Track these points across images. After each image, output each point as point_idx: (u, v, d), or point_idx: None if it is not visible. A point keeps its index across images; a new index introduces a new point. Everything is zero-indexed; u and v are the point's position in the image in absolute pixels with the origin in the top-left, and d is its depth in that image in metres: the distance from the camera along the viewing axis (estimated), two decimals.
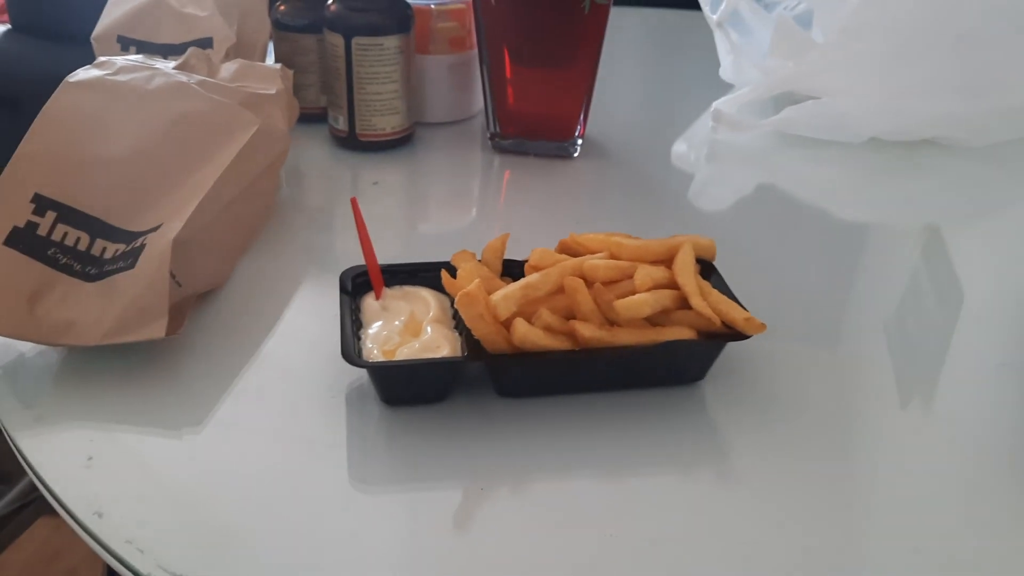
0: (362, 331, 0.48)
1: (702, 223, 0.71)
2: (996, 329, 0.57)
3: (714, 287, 0.50)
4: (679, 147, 0.82)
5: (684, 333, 0.47)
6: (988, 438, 0.48)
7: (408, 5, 0.72)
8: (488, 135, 0.78)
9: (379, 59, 0.71)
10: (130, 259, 0.49)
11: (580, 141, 0.76)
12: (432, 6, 0.76)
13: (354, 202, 0.51)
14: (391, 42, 0.71)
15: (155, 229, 0.50)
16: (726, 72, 0.88)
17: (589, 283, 0.47)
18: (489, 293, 0.46)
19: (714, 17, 0.86)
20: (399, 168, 0.75)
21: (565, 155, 0.76)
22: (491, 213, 0.72)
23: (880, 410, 0.49)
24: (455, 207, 0.72)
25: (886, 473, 0.45)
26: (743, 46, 0.86)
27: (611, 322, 0.47)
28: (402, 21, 0.71)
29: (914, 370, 0.53)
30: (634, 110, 0.92)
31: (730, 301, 0.48)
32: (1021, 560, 0.40)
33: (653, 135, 0.85)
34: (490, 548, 0.40)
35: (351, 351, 0.45)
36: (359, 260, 0.52)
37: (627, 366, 0.48)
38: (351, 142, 0.75)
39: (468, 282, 0.46)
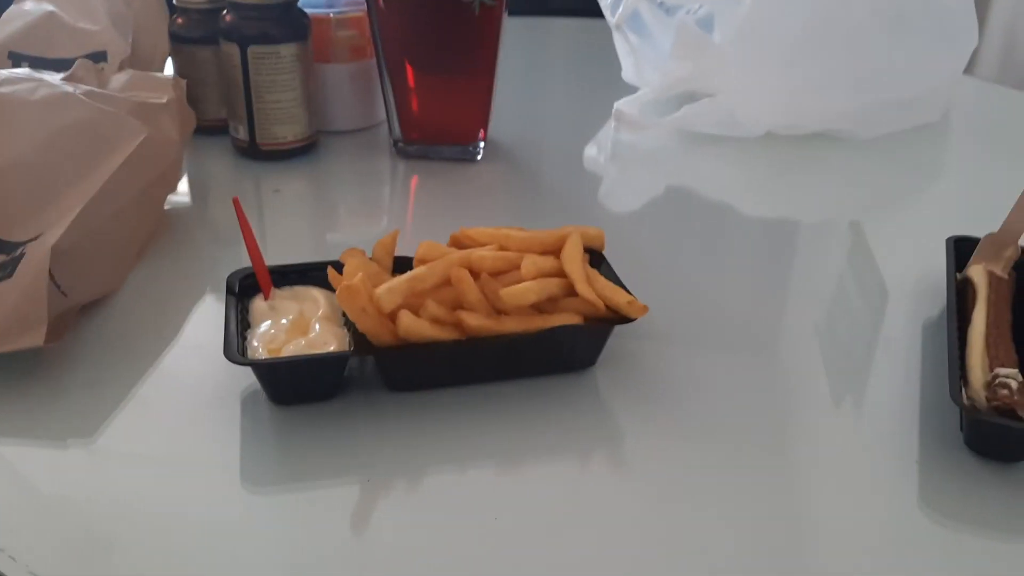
0: (249, 332, 0.48)
1: (605, 220, 0.71)
2: (880, 311, 0.59)
3: (603, 275, 0.51)
4: (582, 148, 0.84)
5: (571, 319, 0.48)
6: (875, 416, 0.49)
7: (304, 14, 0.73)
8: (392, 142, 0.78)
9: (276, 68, 0.70)
10: (8, 268, 0.48)
11: (483, 145, 0.77)
12: (331, 14, 0.77)
13: (236, 202, 0.50)
14: (287, 50, 0.71)
15: (35, 238, 0.50)
16: (628, 74, 0.90)
17: (476, 274, 0.47)
18: (375, 287, 0.46)
19: (613, 20, 0.88)
20: (303, 176, 0.75)
21: (469, 159, 0.77)
22: (397, 218, 0.72)
23: (764, 392, 0.51)
24: (360, 213, 0.72)
25: (772, 453, 0.46)
26: (643, 48, 0.88)
27: (499, 312, 0.47)
28: (298, 29, 0.71)
29: (798, 353, 0.54)
30: (539, 113, 0.94)
31: (615, 287, 0.49)
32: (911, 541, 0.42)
33: (557, 137, 0.87)
34: (385, 543, 0.40)
35: (234, 350, 0.45)
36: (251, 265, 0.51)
37: (515, 354, 0.48)
38: (252, 151, 0.75)
39: (352, 277, 0.46)
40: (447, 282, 0.47)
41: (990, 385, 0.45)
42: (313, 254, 0.64)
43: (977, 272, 0.54)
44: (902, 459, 0.45)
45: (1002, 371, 0.45)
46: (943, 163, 0.86)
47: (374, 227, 0.70)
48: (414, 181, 0.76)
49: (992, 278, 0.53)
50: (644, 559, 0.39)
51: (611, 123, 0.86)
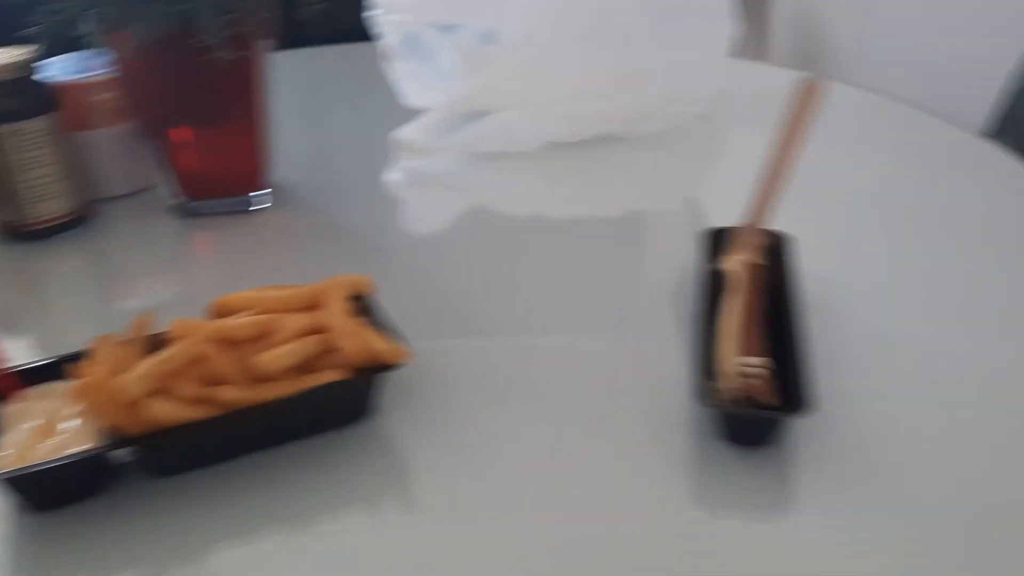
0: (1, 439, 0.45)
1: (406, 251, 0.72)
2: (657, 305, 0.61)
3: (373, 321, 0.51)
4: (377, 180, 0.83)
5: (336, 375, 0.48)
6: (648, 413, 0.51)
7: (44, 84, 0.69)
8: (169, 202, 0.75)
9: (24, 145, 0.67)
10: None
11: (266, 193, 0.76)
12: (85, 79, 0.73)
13: None
14: (34, 125, 0.67)
15: None
16: (411, 99, 0.90)
17: (233, 345, 0.47)
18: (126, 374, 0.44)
19: (384, 50, 0.88)
20: (78, 251, 0.72)
21: (251, 209, 0.75)
22: (182, 282, 0.70)
23: (545, 400, 0.52)
24: (142, 283, 0.69)
25: (552, 462, 0.48)
26: (422, 71, 0.89)
27: (262, 379, 0.47)
28: (42, 102, 0.68)
29: (580, 358, 0.56)
30: (326, 150, 0.92)
31: (375, 335, 0.49)
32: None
33: (350, 173, 0.86)
34: None
35: None
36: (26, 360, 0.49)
37: (281, 419, 0.47)
38: (17, 234, 0.71)
39: (96, 369, 0.44)
40: (201, 359, 0.46)
41: (737, 375, 0.47)
42: (101, 329, 0.62)
43: (731, 261, 0.56)
44: (669, 457, 0.47)
45: (748, 360, 0.48)
46: (719, 150, 0.90)
47: (157, 296, 0.67)
48: (197, 241, 0.74)
49: (745, 266, 0.56)
50: None
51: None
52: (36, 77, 0.68)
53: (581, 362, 0.56)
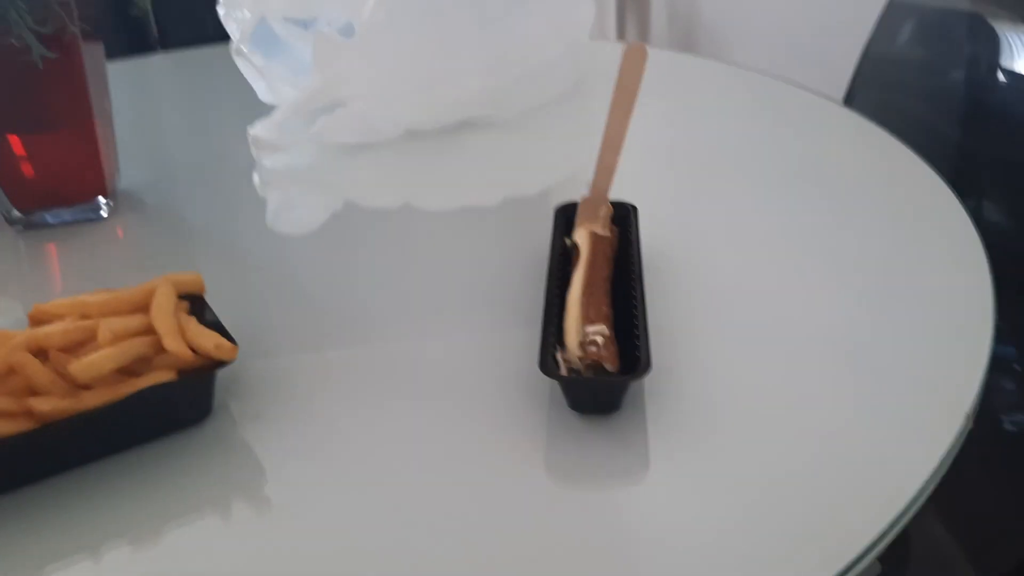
0: None
1: (265, 253, 0.69)
2: (517, 283, 0.61)
3: (205, 320, 0.49)
4: (231, 181, 0.81)
5: (163, 376, 0.45)
6: (504, 389, 0.50)
7: None
8: (4, 215, 0.71)
9: None
10: None
11: (108, 200, 0.72)
12: None
13: None
14: None
15: None
16: (263, 95, 0.88)
17: (50, 353, 0.44)
18: None
19: (232, 46, 0.85)
20: None
21: (95, 218, 0.72)
22: (18, 297, 0.66)
23: (397, 387, 0.51)
24: None
25: (423, 448, 0.47)
26: (272, 67, 0.86)
27: (83, 387, 0.44)
28: None
29: (441, 339, 0.55)
30: (175, 153, 0.89)
31: (205, 331, 0.47)
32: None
33: (204, 176, 0.83)
34: None
35: None
36: None
37: (107, 427, 0.45)
38: None
39: None
40: (12, 370, 0.43)
41: (583, 344, 0.47)
42: None
43: (580, 234, 0.56)
44: (528, 429, 0.47)
45: (591, 328, 0.47)
46: (583, 130, 0.90)
47: (5, 315, 0.63)
48: (37, 251, 0.70)
49: (593, 238, 0.56)
50: None
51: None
52: None
53: (438, 349, 0.55)
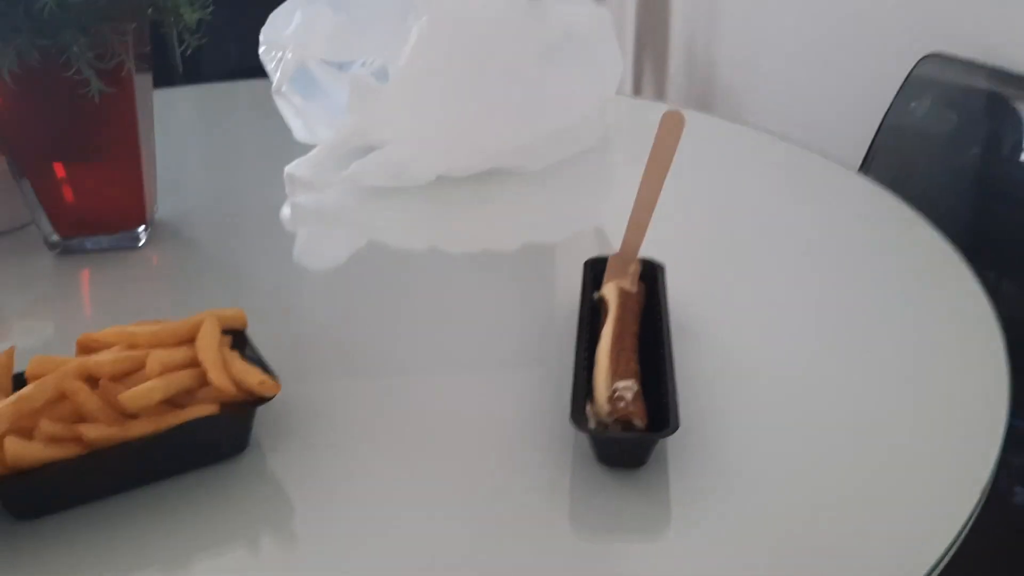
0: None
1: (292, 287, 0.71)
2: (545, 332, 0.62)
3: (246, 355, 0.50)
4: (264, 217, 0.83)
5: (206, 410, 0.47)
6: (534, 439, 0.52)
7: None
8: (43, 239, 0.73)
9: None
10: None
11: (146, 229, 0.74)
12: None
13: None
14: None
15: None
16: (300, 134, 0.90)
17: (99, 381, 0.45)
18: None
19: (273, 85, 0.88)
20: None
21: (132, 246, 0.74)
22: (57, 321, 0.67)
23: (420, 427, 0.53)
24: (21, 321, 0.67)
25: (442, 483, 0.48)
26: (310, 108, 0.89)
27: (130, 416, 0.46)
28: None
29: (460, 384, 0.57)
30: (211, 186, 0.91)
31: (249, 368, 0.49)
32: None
33: (237, 209, 0.85)
34: None
35: None
36: None
37: (150, 456, 0.46)
38: None
39: None
40: (63, 396, 0.45)
41: (611, 399, 0.48)
42: None
43: (609, 290, 0.58)
44: (553, 483, 0.48)
45: (620, 384, 0.49)
46: (608, 185, 0.92)
47: (33, 337, 0.65)
48: (76, 277, 0.72)
49: (621, 293, 0.58)
50: None
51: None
52: None
53: (465, 394, 0.56)
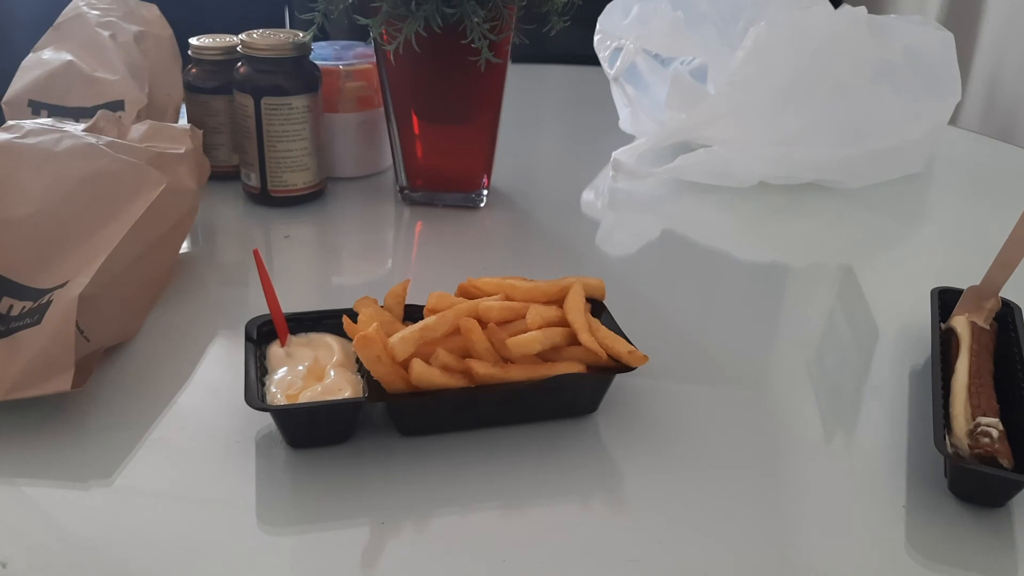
0: (267, 377, 0.50)
1: (605, 266, 0.75)
2: (868, 356, 0.62)
3: (603, 324, 0.53)
4: (583, 195, 0.86)
5: (574, 367, 0.50)
6: (864, 460, 0.51)
7: (315, 66, 0.76)
8: (398, 188, 0.81)
9: (288, 118, 0.73)
10: (36, 315, 0.50)
11: (486, 192, 0.80)
12: (340, 67, 0.80)
13: (256, 253, 0.53)
14: (299, 102, 0.73)
15: (61, 286, 0.52)
16: (625, 124, 0.93)
17: (484, 324, 0.50)
18: (389, 336, 0.48)
19: (611, 72, 0.91)
20: (311, 222, 0.78)
21: (472, 206, 0.80)
22: (401, 263, 0.75)
23: (758, 435, 0.53)
24: (367, 258, 0.75)
25: (765, 495, 0.48)
26: (639, 99, 0.92)
27: (505, 360, 0.50)
28: (309, 82, 0.74)
29: (790, 396, 0.57)
30: (540, 161, 0.97)
31: (616, 336, 0.51)
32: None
33: (558, 184, 0.90)
34: None
35: (254, 396, 0.47)
36: (268, 311, 0.54)
37: (521, 401, 0.50)
38: (263, 198, 0.77)
39: (368, 326, 0.48)
40: (457, 331, 0.49)
41: (972, 433, 0.47)
42: (320, 298, 0.67)
43: (960, 323, 0.56)
44: (889, 503, 0.47)
45: (984, 420, 0.48)
46: (927, 211, 0.89)
47: (379, 272, 0.72)
48: (418, 227, 0.78)
49: (975, 329, 0.56)
50: None
51: (608, 171, 0.89)
52: (306, 59, 0.75)
53: (794, 397, 0.57)
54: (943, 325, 0.58)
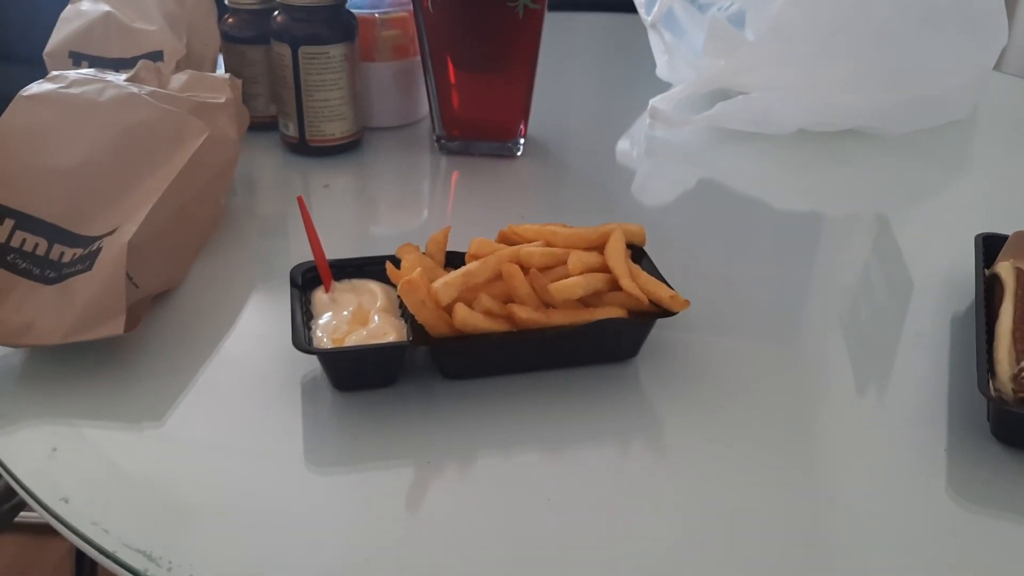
0: (312, 322, 0.51)
1: (641, 215, 0.74)
2: (908, 304, 0.61)
3: (644, 270, 0.54)
4: (619, 144, 0.86)
5: (615, 312, 0.50)
6: (904, 405, 0.52)
7: (352, 15, 0.75)
8: (434, 138, 0.81)
9: (325, 67, 0.73)
10: (87, 262, 0.51)
11: (523, 141, 0.80)
12: (376, 15, 0.79)
13: (300, 200, 0.53)
14: (336, 51, 0.73)
15: (111, 233, 0.53)
16: (662, 71, 0.92)
17: (525, 269, 0.50)
18: (432, 282, 0.49)
19: (648, 18, 0.90)
20: (349, 171, 0.78)
21: (509, 155, 0.80)
22: (439, 211, 0.75)
23: (798, 381, 0.53)
24: (404, 207, 0.75)
25: (805, 441, 0.49)
26: (677, 46, 0.90)
27: (547, 305, 0.50)
28: (347, 30, 0.74)
29: (829, 343, 0.57)
30: (576, 110, 0.96)
31: (657, 281, 0.52)
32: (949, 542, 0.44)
33: (594, 133, 0.89)
34: (439, 521, 0.43)
35: (301, 339, 0.48)
36: (310, 259, 0.54)
37: (563, 345, 0.51)
38: (301, 148, 0.78)
39: (411, 272, 0.49)
40: (498, 277, 0.50)
41: (1016, 377, 0.47)
42: (359, 245, 0.68)
43: (1005, 268, 0.56)
44: (931, 447, 0.48)
45: None
46: (971, 159, 0.88)
47: (416, 220, 0.73)
48: (455, 176, 0.79)
49: (1020, 274, 0.55)
50: (685, 538, 0.42)
51: (644, 118, 0.88)
52: (343, 7, 0.74)
53: (833, 345, 0.57)
54: (987, 271, 0.57)
